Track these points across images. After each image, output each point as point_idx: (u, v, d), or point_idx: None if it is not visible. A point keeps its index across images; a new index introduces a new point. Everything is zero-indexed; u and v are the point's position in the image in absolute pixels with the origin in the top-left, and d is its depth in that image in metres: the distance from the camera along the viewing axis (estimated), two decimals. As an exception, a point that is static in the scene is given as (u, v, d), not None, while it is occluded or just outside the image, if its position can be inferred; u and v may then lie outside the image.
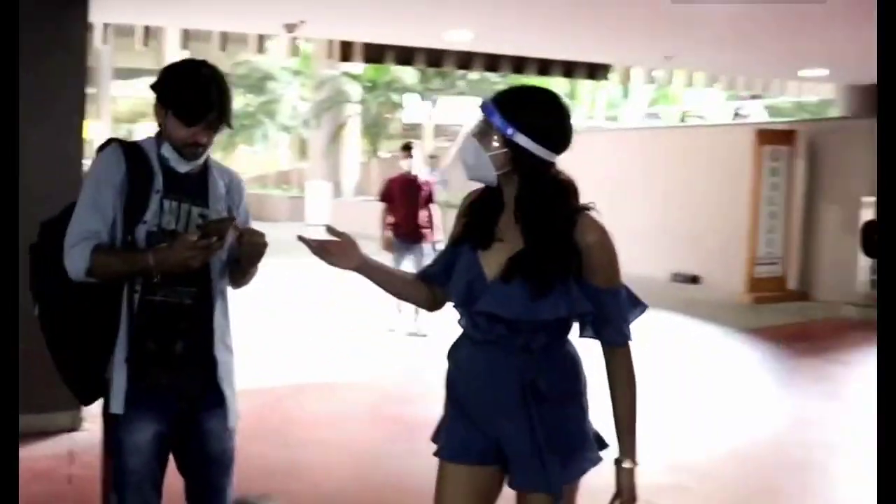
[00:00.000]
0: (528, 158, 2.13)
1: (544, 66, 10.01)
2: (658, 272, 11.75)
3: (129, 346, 2.43)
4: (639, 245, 12.44)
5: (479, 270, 2.19)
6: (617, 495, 2.19)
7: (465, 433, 2.27)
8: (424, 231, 8.11)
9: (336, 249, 2.27)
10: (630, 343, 2.21)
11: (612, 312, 2.16)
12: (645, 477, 2.28)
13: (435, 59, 9.73)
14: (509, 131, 2.11)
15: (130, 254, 2.40)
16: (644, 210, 12.35)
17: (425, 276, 2.39)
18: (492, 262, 2.18)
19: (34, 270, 2.50)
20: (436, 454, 2.32)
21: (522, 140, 2.12)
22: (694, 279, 12.02)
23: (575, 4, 7.02)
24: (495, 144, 2.14)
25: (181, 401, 2.50)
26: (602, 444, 2.30)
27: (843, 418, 6.12)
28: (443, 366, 2.36)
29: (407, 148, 8.38)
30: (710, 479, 4.89)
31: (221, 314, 2.57)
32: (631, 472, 2.19)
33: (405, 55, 9.47)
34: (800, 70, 10.80)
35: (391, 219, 8.16)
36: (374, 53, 9.11)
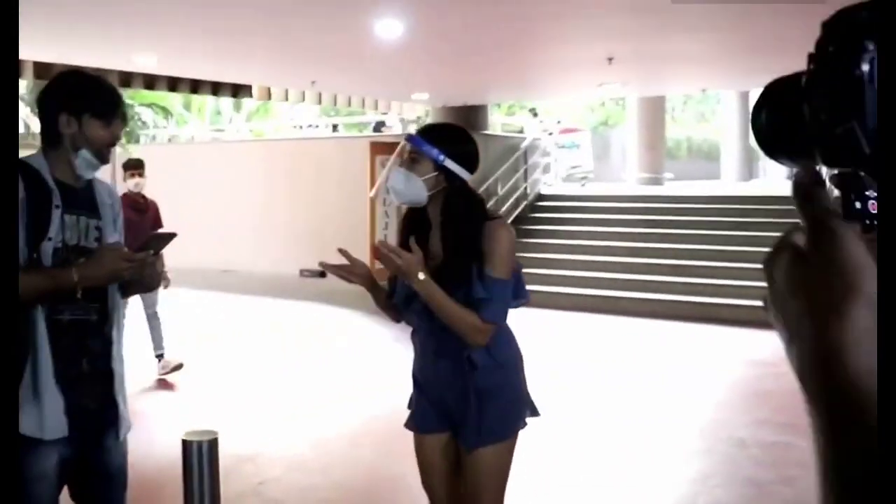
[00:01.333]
0: (455, 179, 2.60)
1: (195, 85, 10.73)
2: (287, 269, 12.91)
3: (55, 366, 2.34)
4: (268, 245, 13.60)
5: None
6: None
7: (424, 408, 2.77)
8: None
9: (356, 271, 2.71)
10: (495, 324, 2.59)
11: (493, 295, 2.55)
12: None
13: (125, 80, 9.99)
14: (440, 158, 2.56)
15: (54, 270, 2.32)
16: (271, 213, 13.45)
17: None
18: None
19: None
20: (406, 426, 2.83)
21: (450, 164, 2.58)
22: (321, 274, 13.32)
23: (220, 31, 7.97)
24: (427, 170, 2.58)
25: (85, 420, 2.42)
26: (534, 411, 2.78)
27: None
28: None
29: (135, 165, 7.25)
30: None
31: (118, 326, 2.54)
32: (428, 282, 2.51)
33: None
34: (412, 94, 12.79)
35: None
36: (44, 71, 9.03)
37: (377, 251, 2.51)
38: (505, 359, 2.69)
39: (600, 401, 6.69)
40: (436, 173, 2.58)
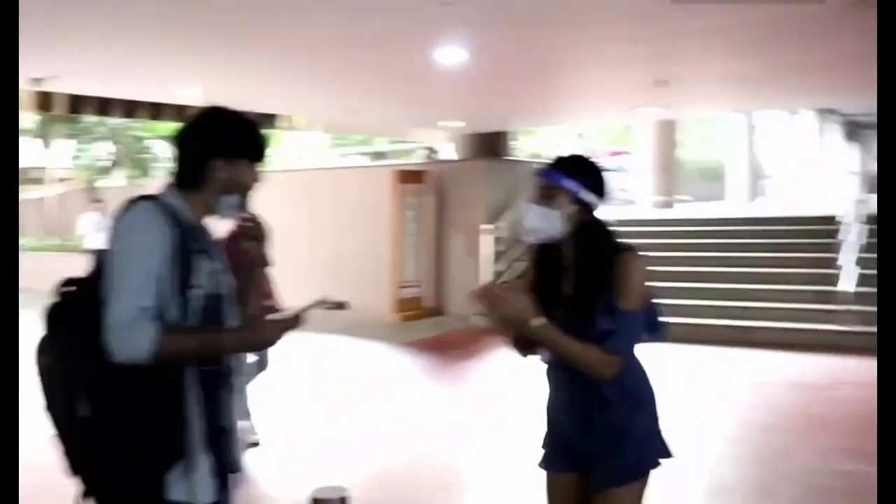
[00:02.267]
0: (591, 211, 2.55)
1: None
2: (305, 300, 12.76)
3: (207, 425, 2.19)
4: (292, 277, 13.44)
5: (549, 312, 2.48)
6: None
7: (556, 446, 2.70)
8: None
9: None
10: (623, 358, 2.49)
11: (622, 328, 2.46)
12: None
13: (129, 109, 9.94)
14: (579, 190, 2.52)
15: (207, 336, 2.18)
16: (290, 244, 13.32)
17: None
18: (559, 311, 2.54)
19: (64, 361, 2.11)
20: (539, 465, 2.75)
21: (586, 196, 2.53)
22: (341, 306, 13.17)
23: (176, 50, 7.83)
24: (563, 203, 2.52)
25: (226, 480, 2.29)
26: (666, 452, 2.63)
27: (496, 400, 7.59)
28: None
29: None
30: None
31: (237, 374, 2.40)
32: (543, 327, 2.41)
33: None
34: (438, 121, 12.75)
35: None
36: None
37: (483, 294, 2.42)
38: (637, 395, 2.59)
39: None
40: (573, 206, 2.53)
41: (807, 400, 7.42)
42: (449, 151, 15.99)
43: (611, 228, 2.58)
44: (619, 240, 2.56)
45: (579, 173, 2.55)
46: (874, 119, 38.48)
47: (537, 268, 2.65)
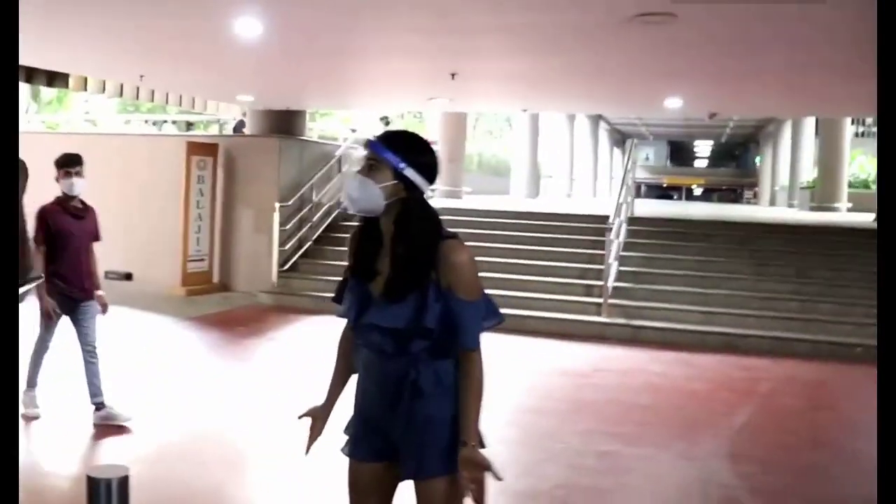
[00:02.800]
0: (414, 189, 2.48)
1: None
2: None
3: None
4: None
5: (367, 291, 2.53)
6: (461, 469, 2.44)
7: (365, 434, 2.62)
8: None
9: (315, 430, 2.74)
10: (479, 347, 2.49)
11: (468, 320, 2.44)
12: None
13: None
14: (401, 165, 2.45)
15: None
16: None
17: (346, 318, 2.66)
18: (375, 286, 2.52)
19: None
20: (343, 451, 2.66)
21: (410, 174, 2.46)
22: (128, 276, 12.76)
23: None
24: (386, 177, 2.46)
25: None
26: (480, 442, 2.52)
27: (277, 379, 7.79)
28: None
29: (72, 162, 5.76)
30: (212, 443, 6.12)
31: None
32: (473, 449, 2.45)
33: None
34: (238, 95, 12.52)
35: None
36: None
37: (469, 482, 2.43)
38: (451, 383, 2.52)
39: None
40: (395, 182, 2.46)
41: (573, 385, 8.03)
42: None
43: (436, 213, 2.52)
44: (443, 227, 2.52)
45: (405, 150, 2.49)
46: (636, 128, 41.44)
47: (357, 242, 2.59)
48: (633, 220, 13.09)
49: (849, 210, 21.12)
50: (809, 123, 28.04)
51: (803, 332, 9.99)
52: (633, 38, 7.26)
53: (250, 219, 12.57)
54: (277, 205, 11.91)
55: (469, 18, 6.94)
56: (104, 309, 5.98)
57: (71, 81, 11.72)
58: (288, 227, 12.22)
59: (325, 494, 4.67)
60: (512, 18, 6.88)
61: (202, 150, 12.34)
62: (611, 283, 10.78)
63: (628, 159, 13.72)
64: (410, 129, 2.71)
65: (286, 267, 12.25)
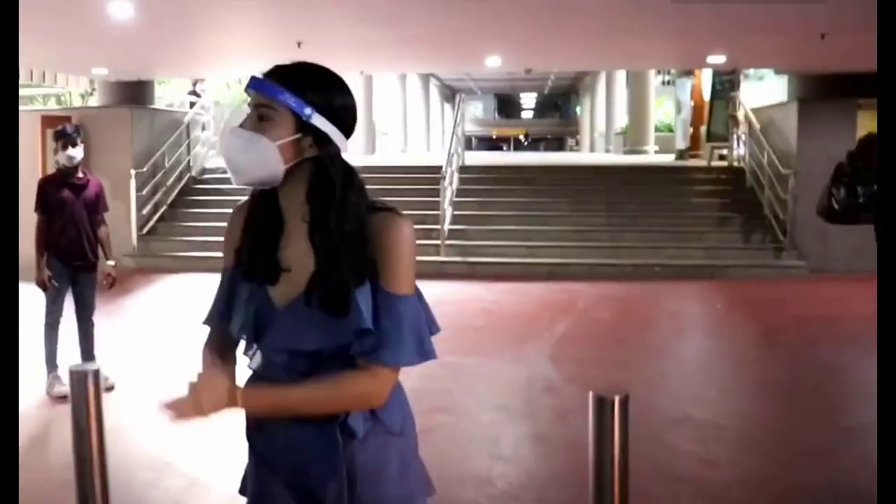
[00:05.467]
0: (328, 146, 1.72)
1: None
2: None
3: None
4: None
5: (266, 298, 1.76)
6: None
7: (270, 487, 1.85)
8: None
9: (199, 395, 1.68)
10: (393, 368, 1.72)
11: (401, 325, 1.69)
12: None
13: None
14: (307, 112, 1.69)
15: None
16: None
17: (216, 327, 1.89)
18: (279, 290, 1.75)
19: None
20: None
21: (321, 122, 1.71)
22: None
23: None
24: (284, 131, 1.69)
25: None
26: (429, 489, 1.95)
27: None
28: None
29: (67, 134, 5.98)
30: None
31: None
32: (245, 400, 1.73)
33: None
34: (92, 68, 12.91)
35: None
36: None
37: (174, 413, 1.69)
38: (394, 423, 1.82)
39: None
40: (298, 136, 1.70)
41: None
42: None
43: (357, 177, 1.77)
44: (366, 193, 1.78)
45: (310, 88, 1.72)
46: (466, 84, 42.83)
47: (246, 226, 1.81)
48: (464, 169, 14.47)
49: (656, 152, 23.33)
50: (621, 74, 30.15)
51: (612, 257, 11.67)
52: (453, 7, 8.51)
53: (107, 186, 12.87)
54: (133, 171, 12.50)
55: None
56: (109, 281, 6.02)
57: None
58: (143, 192, 12.82)
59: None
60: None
61: (56, 122, 12.57)
62: (447, 226, 12.10)
63: (457, 113, 15.04)
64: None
65: (145, 231, 12.89)
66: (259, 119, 1.71)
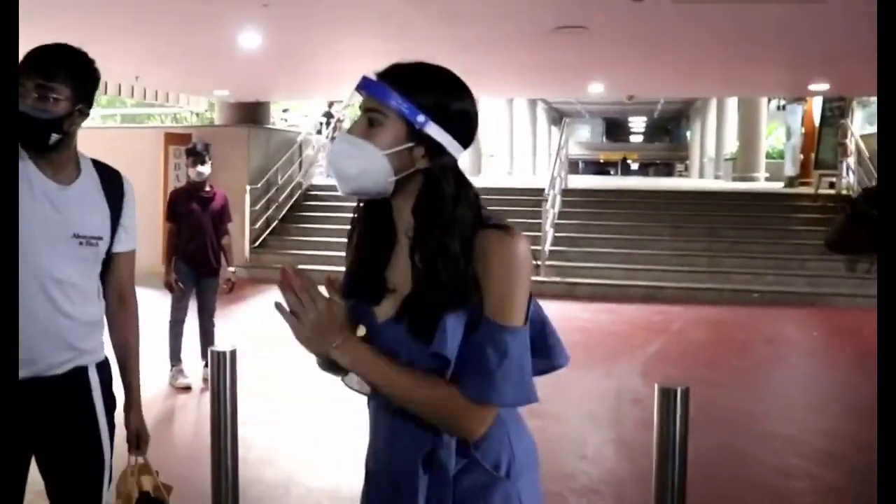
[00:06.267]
0: (442, 156, 1.54)
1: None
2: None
3: None
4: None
5: (367, 312, 1.61)
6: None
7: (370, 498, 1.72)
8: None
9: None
10: (490, 405, 1.51)
11: (500, 357, 1.48)
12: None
13: None
14: (420, 119, 1.51)
15: None
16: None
17: None
18: (382, 309, 1.60)
19: None
20: None
21: (434, 131, 1.53)
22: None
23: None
24: (395, 138, 1.52)
25: None
26: None
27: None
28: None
29: (197, 152, 6.62)
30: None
31: None
32: (342, 349, 1.53)
33: None
34: (214, 90, 13.82)
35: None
36: None
37: (283, 280, 1.50)
38: (492, 461, 1.59)
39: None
40: (410, 145, 1.53)
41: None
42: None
43: (472, 190, 1.58)
44: (482, 208, 1.58)
45: (426, 92, 1.54)
46: (573, 107, 42.93)
47: (357, 242, 1.70)
48: (566, 192, 14.71)
49: (766, 179, 23.01)
50: (733, 99, 29.87)
51: (710, 282, 11.70)
52: (559, 37, 8.85)
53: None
54: (248, 187, 13.24)
55: (423, 30, 8.48)
56: (229, 286, 6.63)
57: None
58: (257, 207, 13.56)
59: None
60: (462, 29, 8.44)
61: (178, 139, 13.54)
62: (547, 247, 12.36)
63: (561, 137, 15.32)
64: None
65: (257, 244, 13.62)
66: (369, 124, 1.54)
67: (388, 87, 1.52)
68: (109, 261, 2.44)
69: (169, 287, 6.50)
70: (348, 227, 1.73)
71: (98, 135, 15.49)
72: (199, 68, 11.40)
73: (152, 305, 10.29)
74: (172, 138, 13.48)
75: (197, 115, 21.92)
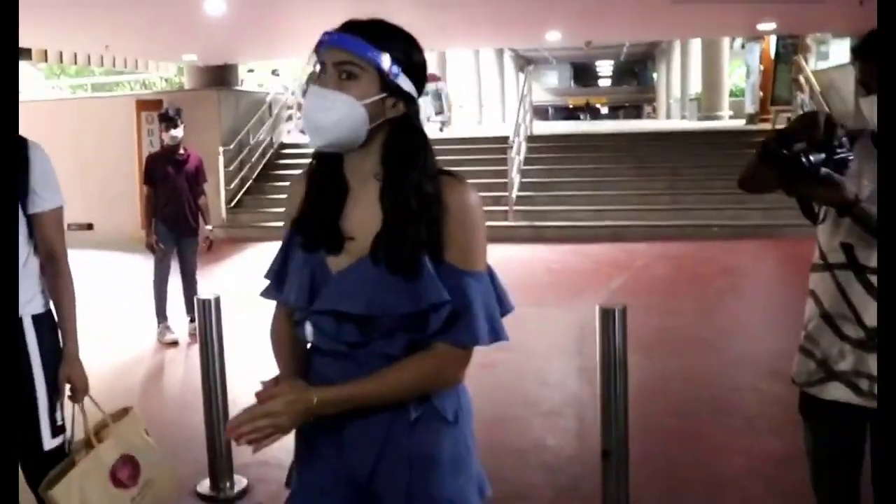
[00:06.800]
0: (410, 106, 1.62)
1: None
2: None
3: None
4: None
5: (322, 262, 1.65)
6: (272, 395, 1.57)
7: (322, 474, 1.71)
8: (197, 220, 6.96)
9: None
10: (468, 349, 1.61)
11: (469, 301, 1.57)
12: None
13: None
14: (395, 70, 1.58)
15: None
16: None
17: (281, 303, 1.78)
18: (338, 259, 1.64)
19: None
20: (290, 497, 1.77)
21: (404, 82, 1.60)
22: (89, 226, 14.06)
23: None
24: (369, 90, 1.57)
25: None
26: (482, 488, 1.75)
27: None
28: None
29: (170, 117, 6.90)
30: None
31: None
32: (306, 403, 1.57)
33: None
34: (182, 55, 13.99)
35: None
36: None
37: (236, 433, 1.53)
38: (447, 409, 1.69)
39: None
40: (384, 95, 1.60)
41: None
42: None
43: (426, 138, 1.66)
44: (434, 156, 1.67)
45: (395, 44, 1.61)
46: (540, 54, 42.97)
47: (308, 196, 1.70)
48: (532, 139, 15.06)
49: (730, 118, 23.38)
50: (696, 39, 30.07)
51: (673, 219, 12.15)
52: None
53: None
54: (221, 149, 13.48)
55: None
56: (207, 244, 6.92)
57: (34, 55, 13.01)
58: (231, 168, 13.82)
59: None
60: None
61: (149, 106, 13.72)
62: (515, 192, 12.74)
63: (523, 86, 15.62)
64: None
65: (233, 204, 13.91)
66: (341, 77, 1.58)
67: (363, 41, 1.57)
68: (33, 223, 2.54)
69: (150, 248, 6.84)
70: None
71: (70, 105, 15.70)
72: (167, 35, 11.60)
73: (137, 268, 10.72)
74: (144, 105, 13.67)
75: (166, 80, 21.97)
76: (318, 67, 1.62)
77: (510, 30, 13.65)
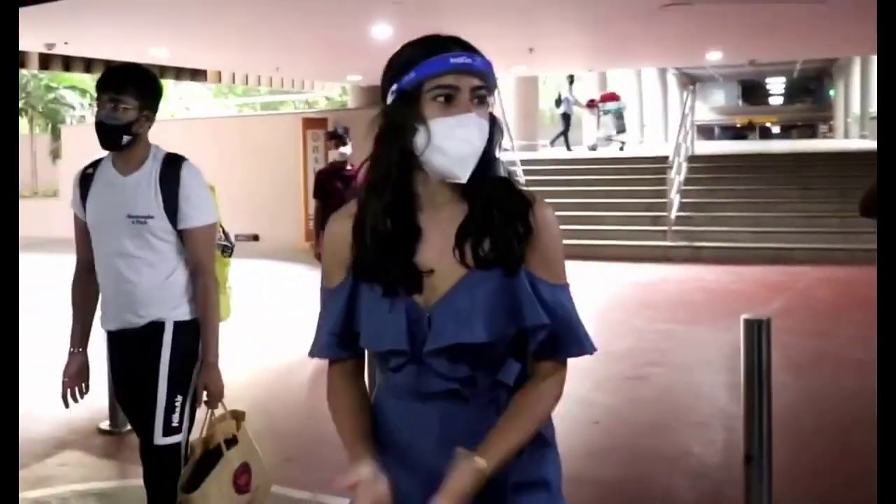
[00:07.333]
0: (499, 128, 1.54)
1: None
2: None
3: None
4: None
5: (411, 302, 1.51)
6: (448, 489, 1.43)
7: (409, 497, 1.52)
8: None
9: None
10: (564, 365, 1.57)
11: (569, 313, 1.53)
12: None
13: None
14: (496, 89, 1.54)
15: None
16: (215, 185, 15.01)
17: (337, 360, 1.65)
18: (422, 297, 1.51)
19: None
20: None
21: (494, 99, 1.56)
22: (255, 237, 14.78)
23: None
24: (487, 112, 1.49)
25: None
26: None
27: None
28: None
29: (339, 135, 7.39)
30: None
31: None
32: (481, 473, 1.44)
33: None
34: (347, 76, 14.73)
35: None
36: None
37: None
38: (549, 430, 1.63)
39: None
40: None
41: (640, 291, 9.97)
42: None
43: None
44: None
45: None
46: (706, 72, 41.97)
47: (374, 237, 1.53)
48: (693, 158, 14.81)
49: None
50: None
51: (841, 242, 11.65)
52: (673, 10, 9.15)
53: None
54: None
55: (552, 12, 9.08)
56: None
57: (209, 76, 14.02)
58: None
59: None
60: (578, 11, 8.95)
61: (315, 124, 14.44)
62: (674, 213, 12.57)
63: (684, 106, 15.37)
64: None
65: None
66: (473, 101, 1.48)
67: (489, 64, 1.50)
68: (183, 238, 2.73)
69: (318, 258, 7.25)
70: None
71: (239, 122, 16.65)
72: (335, 57, 12.23)
73: (301, 276, 11.25)
74: (310, 123, 14.39)
75: (329, 99, 22.86)
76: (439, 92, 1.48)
77: (668, 50, 13.56)
